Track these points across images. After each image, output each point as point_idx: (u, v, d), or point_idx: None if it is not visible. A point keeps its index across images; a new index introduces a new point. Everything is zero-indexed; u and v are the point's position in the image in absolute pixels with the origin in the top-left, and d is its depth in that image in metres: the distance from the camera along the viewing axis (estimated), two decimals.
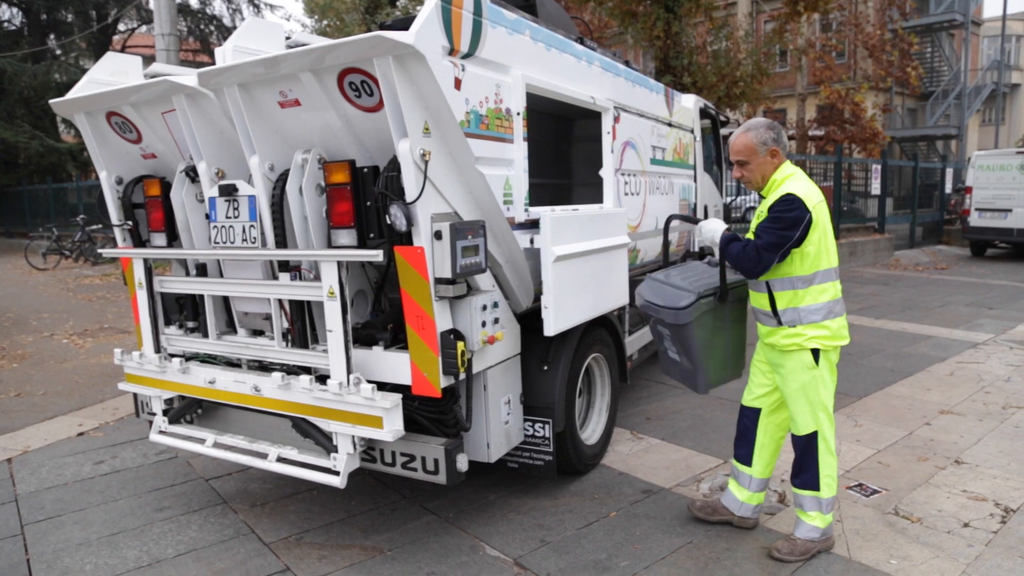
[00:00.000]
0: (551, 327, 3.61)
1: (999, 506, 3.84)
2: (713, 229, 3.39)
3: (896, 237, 16.80)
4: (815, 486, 3.30)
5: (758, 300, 3.34)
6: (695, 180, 6.70)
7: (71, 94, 3.74)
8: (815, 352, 3.21)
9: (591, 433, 4.46)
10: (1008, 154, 15.87)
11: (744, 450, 3.54)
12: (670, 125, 5.91)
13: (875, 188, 16.39)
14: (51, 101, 3.87)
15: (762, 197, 3.35)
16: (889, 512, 3.78)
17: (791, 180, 3.22)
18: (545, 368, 3.85)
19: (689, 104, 6.55)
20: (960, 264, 15.43)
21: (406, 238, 3.00)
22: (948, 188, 19.80)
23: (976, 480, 4.17)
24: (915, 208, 18.05)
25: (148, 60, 4.68)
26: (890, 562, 3.30)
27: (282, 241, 3.27)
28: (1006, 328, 8.50)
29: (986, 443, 4.75)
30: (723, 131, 7.85)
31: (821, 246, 3.16)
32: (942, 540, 3.49)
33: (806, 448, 3.30)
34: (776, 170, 3.28)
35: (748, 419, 3.52)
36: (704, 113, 7.06)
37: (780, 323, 3.24)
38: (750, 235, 3.30)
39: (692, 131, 6.59)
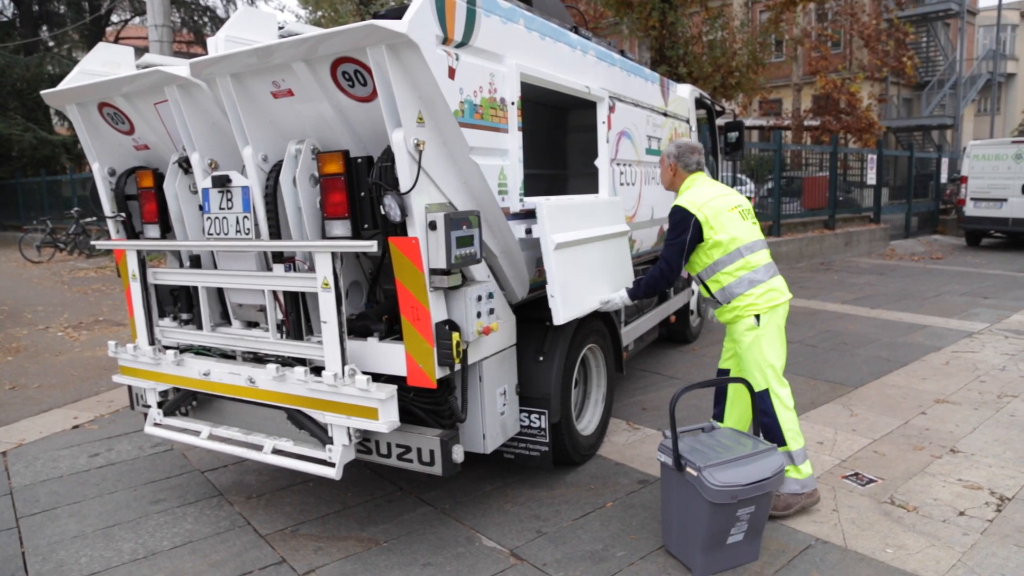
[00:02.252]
0: (560, 316, 3.60)
1: (994, 495, 3.85)
2: (618, 297, 3.95)
3: (892, 227, 16.82)
4: (781, 441, 3.53)
5: (703, 290, 3.82)
6: None
7: (62, 85, 3.70)
8: (756, 319, 3.61)
9: (587, 424, 4.46)
10: (1003, 144, 15.87)
11: (719, 408, 3.93)
12: (665, 115, 5.89)
13: (871, 178, 16.40)
14: (42, 92, 3.83)
15: None
16: (885, 501, 3.79)
17: (685, 192, 3.77)
18: (541, 359, 3.85)
19: (684, 94, 6.53)
20: (955, 253, 15.47)
21: (400, 229, 2.99)
22: (943, 178, 19.80)
23: (971, 469, 4.18)
24: (911, 198, 18.07)
25: (141, 51, 4.65)
26: (886, 551, 3.31)
27: (276, 232, 3.25)
28: (1001, 317, 8.52)
29: (981, 432, 4.77)
30: (719, 121, 7.84)
31: (728, 234, 3.59)
32: (938, 529, 3.50)
33: (762, 405, 3.57)
34: (682, 182, 3.84)
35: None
36: (700, 103, 7.04)
37: (719, 302, 3.71)
38: None
39: (688, 121, 6.58)
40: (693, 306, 7.34)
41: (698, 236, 3.59)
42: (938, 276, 12.08)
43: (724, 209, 3.64)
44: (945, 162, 20.08)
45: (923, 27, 29.58)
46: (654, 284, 3.77)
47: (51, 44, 26.59)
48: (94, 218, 16.26)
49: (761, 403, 3.56)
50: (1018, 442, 4.57)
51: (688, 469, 3.07)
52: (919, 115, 30.87)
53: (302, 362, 3.35)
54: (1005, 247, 16.35)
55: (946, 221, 19.08)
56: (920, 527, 3.52)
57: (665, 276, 3.69)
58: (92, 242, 4.58)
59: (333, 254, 3.00)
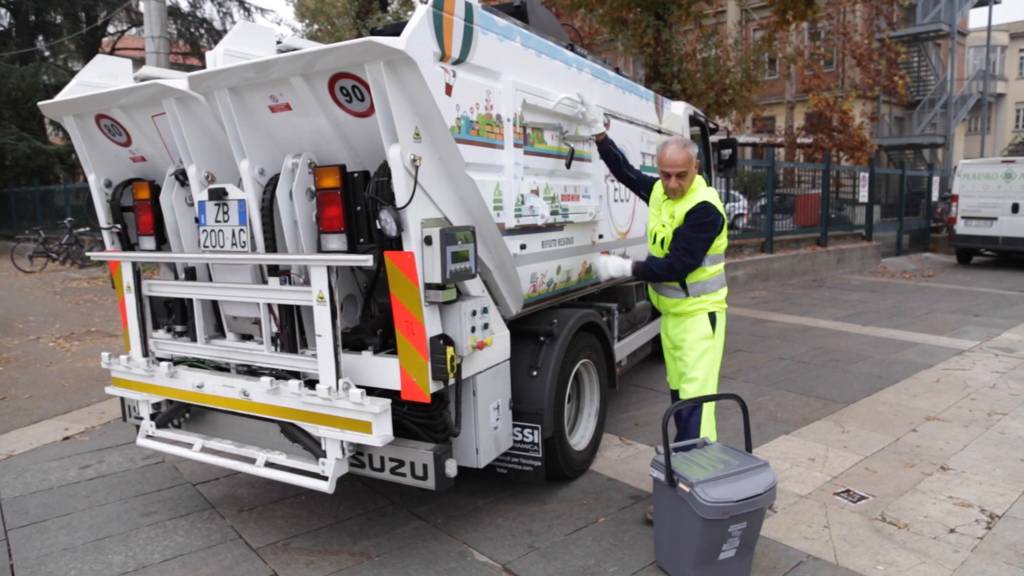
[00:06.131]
0: None
1: (984, 512, 3.87)
2: (620, 266, 4.12)
3: (883, 244, 16.92)
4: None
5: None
6: None
7: (60, 96, 3.72)
8: (712, 317, 3.78)
9: (580, 439, 4.46)
10: (993, 163, 16.03)
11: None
12: (660, 132, 5.94)
13: (863, 196, 16.51)
14: (40, 104, 3.85)
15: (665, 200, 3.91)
16: (876, 518, 3.81)
17: (702, 189, 3.78)
18: (534, 374, 3.86)
19: (679, 111, 6.58)
20: (946, 271, 15.57)
21: (396, 243, 3.01)
22: (935, 196, 19.97)
23: (962, 486, 4.20)
24: (902, 216, 18.20)
25: (138, 63, 4.67)
26: (877, 568, 3.32)
27: (272, 245, 3.27)
28: (991, 335, 8.57)
29: (972, 449, 4.79)
30: (712, 138, 7.90)
31: (725, 237, 3.81)
32: (928, 546, 3.51)
33: (693, 412, 3.73)
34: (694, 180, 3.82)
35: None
36: (693, 120, 7.10)
37: (688, 294, 3.79)
38: (668, 229, 3.79)
39: None
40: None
41: (716, 236, 3.72)
42: (929, 294, 12.15)
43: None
44: (936, 181, 20.25)
45: (914, 47, 29.92)
46: (665, 272, 3.76)
47: (47, 54, 26.60)
48: (87, 228, 16.21)
49: (694, 409, 3.73)
50: (1008, 459, 4.60)
51: (680, 485, 3.08)
52: (910, 134, 31.17)
53: (296, 375, 3.36)
54: (995, 265, 16.47)
55: (937, 239, 19.21)
56: (911, 544, 3.53)
57: (684, 268, 3.70)
58: (86, 252, 4.58)
59: (329, 268, 3.01)
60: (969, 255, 16.81)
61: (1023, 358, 7.39)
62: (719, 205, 3.71)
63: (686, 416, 3.77)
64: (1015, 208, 15.12)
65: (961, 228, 16.03)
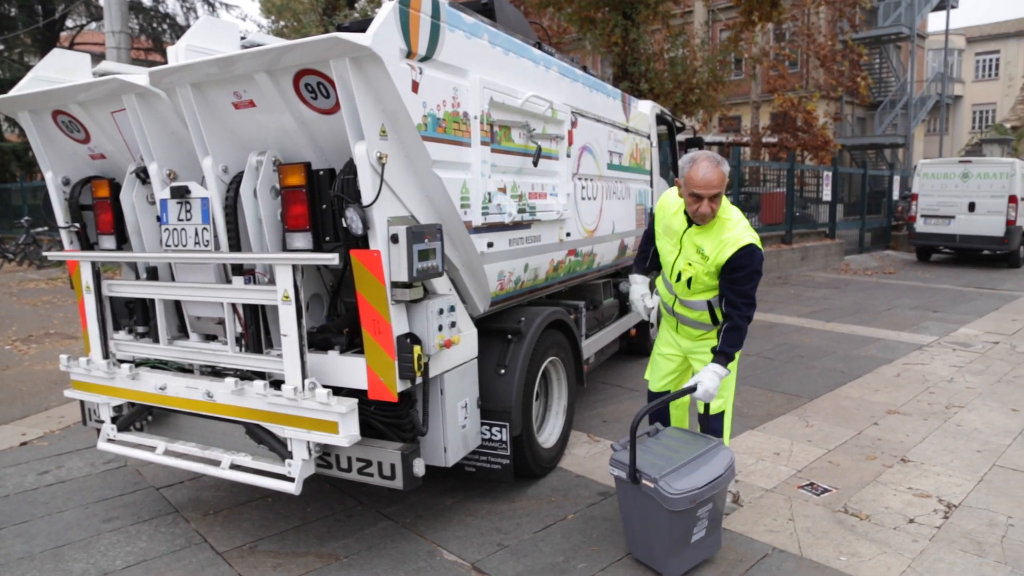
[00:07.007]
0: None
1: (942, 502, 3.97)
2: (711, 379, 3.31)
3: (846, 242, 17.24)
4: None
5: (697, 316, 3.63)
6: (651, 185, 6.79)
7: (15, 91, 3.62)
8: None
9: (548, 436, 4.47)
10: (951, 163, 16.43)
11: (659, 421, 3.83)
12: (627, 131, 5.98)
13: (826, 194, 16.81)
14: None
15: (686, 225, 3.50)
16: (839, 510, 3.88)
17: (735, 220, 3.41)
18: (502, 372, 3.86)
19: (646, 110, 6.63)
20: (906, 268, 15.92)
21: (362, 241, 2.99)
22: (895, 195, 20.40)
23: (921, 477, 4.30)
24: (864, 214, 18.56)
25: (98, 58, 4.57)
26: (840, 559, 3.38)
27: (236, 244, 3.22)
28: (949, 331, 8.79)
29: (930, 442, 4.91)
30: (679, 137, 7.98)
31: None
32: (889, 536, 3.59)
33: (715, 425, 3.65)
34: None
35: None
36: (660, 119, 7.15)
37: (716, 325, 3.58)
38: (699, 268, 3.45)
39: (648, 136, 6.68)
40: (652, 319, 7.41)
41: None
42: (890, 290, 12.41)
43: None
44: (897, 180, 20.68)
45: (876, 49, 30.52)
46: (745, 330, 3.43)
47: (1, 48, 25.86)
48: (45, 228, 15.81)
49: (715, 423, 3.65)
50: (964, 451, 4.72)
51: (644, 481, 3.11)
52: (872, 134, 31.78)
53: (261, 376, 3.31)
54: (953, 263, 16.88)
55: (898, 237, 19.62)
56: (872, 535, 3.61)
57: (752, 315, 3.42)
58: (43, 253, 4.46)
59: (294, 267, 2.98)
60: (928, 252, 17.21)
61: (979, 352, 7.59)
62: (758, 239, 3.39)
63: (709, 432, 3.63)
64: (972, 207, 15.51)
65: (921, 226, 16.41)
